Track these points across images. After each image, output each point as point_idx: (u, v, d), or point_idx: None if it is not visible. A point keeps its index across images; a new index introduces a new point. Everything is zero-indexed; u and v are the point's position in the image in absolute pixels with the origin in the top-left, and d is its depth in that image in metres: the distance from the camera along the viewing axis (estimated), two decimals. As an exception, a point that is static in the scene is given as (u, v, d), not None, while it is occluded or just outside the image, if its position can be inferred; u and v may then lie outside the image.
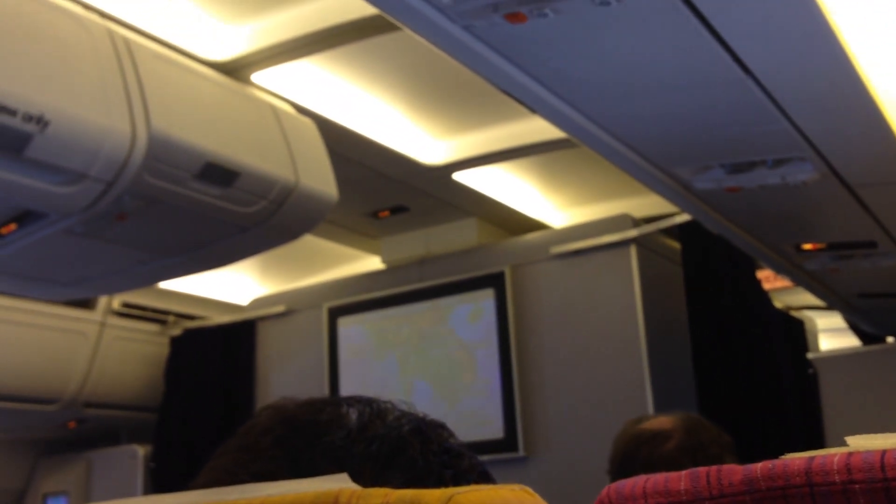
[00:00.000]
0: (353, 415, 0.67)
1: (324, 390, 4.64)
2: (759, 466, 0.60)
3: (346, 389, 4.61)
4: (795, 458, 0.60)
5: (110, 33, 2.52)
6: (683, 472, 0.62)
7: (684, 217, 3.79)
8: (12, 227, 2.51)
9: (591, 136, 1.98)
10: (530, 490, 0.52)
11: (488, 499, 0.48)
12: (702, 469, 0.62)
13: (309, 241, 4.37)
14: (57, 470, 5.28)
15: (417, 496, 0.49)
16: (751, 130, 2.02)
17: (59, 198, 2.37)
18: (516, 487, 0.51)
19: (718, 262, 3.95)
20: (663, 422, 1.88)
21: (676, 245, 4.18)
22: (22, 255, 2.77)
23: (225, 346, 5.08)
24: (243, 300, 5.28)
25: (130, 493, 4.89)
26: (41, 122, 2.18)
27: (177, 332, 5.22)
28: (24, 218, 2.51)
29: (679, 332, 4.03)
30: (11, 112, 2.12)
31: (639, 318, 3.99)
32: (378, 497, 0.50)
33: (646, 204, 4.42)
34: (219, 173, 2.70)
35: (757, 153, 2.18)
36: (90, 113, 2.32)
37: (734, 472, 0.61)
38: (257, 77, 3.14)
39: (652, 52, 1.64)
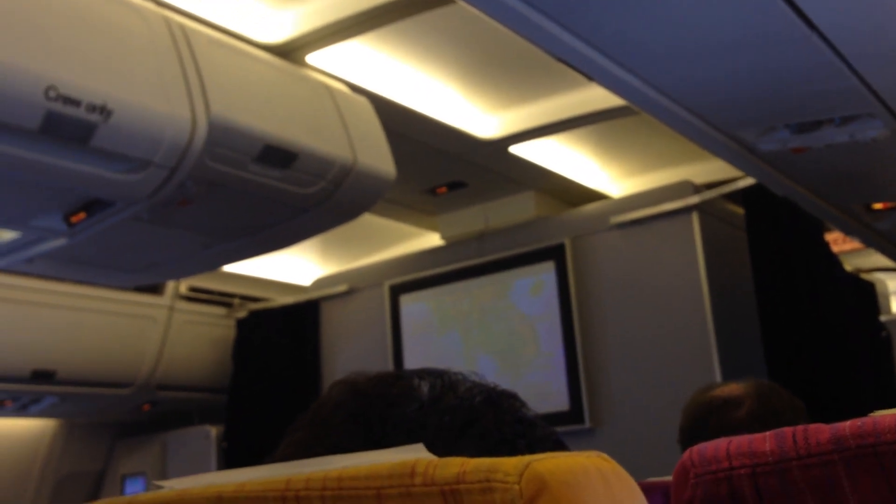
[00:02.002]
0: (425, 387, 0.67)
1: (388, 368, 4.67)
2: (846, 425, 0.58)
3: (410, 366, 4.60)
4: (886, 415, 0.58)
5: (167, 21, 2.56)
6: (768, 433, 0.60)
7: (748, 181, 3.71)
8: (82, 215, 2.58)
9: (651, 102, 1.94)
10: (606, 456, 0.52)
11: (565, 465, 0.48)
12: (787, 429, 0.60)
13: (368, 219, 4.39)
14: (134, 451, 5.44)
15: (494, 464, 0.49)
16: (817, 88, 1.96)
17: (125, 185, 2.42)
18: (592, 454, 0.51)
19: (785, 226, 3.85)
20: (734, 388, 1.85)
21: (740, 210, 4.10)
22: (91, 243, 2.84)
23: (289, 326, 5.16)
24: (306, 281, 5.35)
25: (204, 472, 5.01)
26: (104, 111, 2.22)
27: (242, 314, 5.31)
28: (93, 206, 2.57)
29: (745, 299, 3.96)
30: (76, 103, 2.16)
31: (703, 286, 3.93)
32: (454, 466, 0.50)
33: (707, 170, 4.34)
34: (277, 155, 2.73)
35: (823, 112, 2.12)
36: (151, 101, 2.36)
37: (821, 431, 0.59)
38: (312, 58, 3.16)
39: (712, 12, 1.60)
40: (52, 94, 2.12)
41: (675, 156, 4.36)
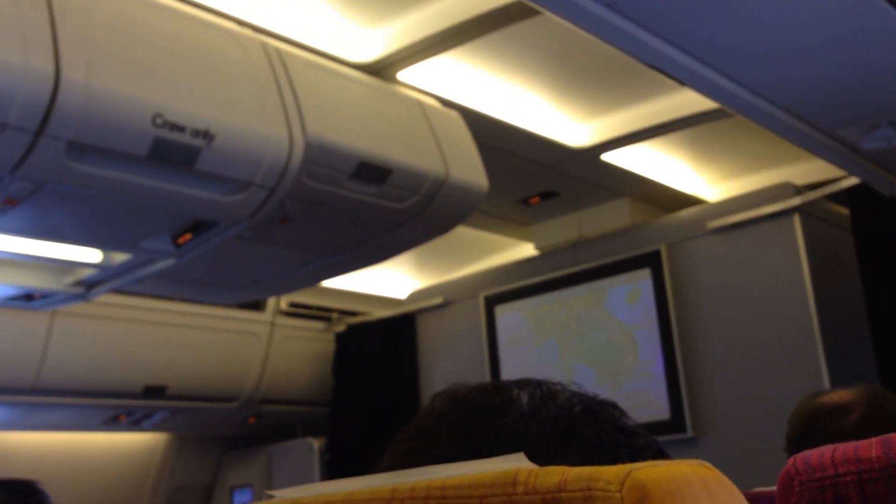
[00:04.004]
0: (524, 397, 0.68)
1: (485, 377, 4.69)
2: (957, 430, 0.57)
3: (506, 376, 4.61)
4: None
5: (264, 46, 2.64)
6: (874, 440, 0.59)
7: (852, 181, 3.58)
8: (188, 236, 2.68)
9: (747, 104, 1.90)
10: (709, 465, 0.51)
11: (667, 474, 0.48)
12: (893, 435, 0.59)
13: (461, 231, 4.42)
14: (240, 464, 5.60)
15: (595, 473, 0.49)
16: (921, 83, 1.89)
17: (228, 206, 2.51)
18: (695, 463, 0.51)
19: (893, 226, 3.71)
20: (843, 395, 1.78)
21: (844, 210, 3.96)
22: (196, 263, 2.94)
23: (387, 339, 5.22)
24: (402, 294, 5.41)
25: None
26: (207, 136, 2.31)
27: (341, 328, 5.41)
28: (198, 227, 2.67)
29: (852, 302, 3.82)
30: (181, 129, 2.26)
31: (807, 289, 3.81)
32: (555, 475, 0.50)
33: (807, 170, 4.21)
34: (372, 172, 2.78)
35: (930, 107, 2.04)
36: (251, 124, 2.44)
37: (930, 436, 0.57)
38: (403, 75, 3.21)
39: (806, 12, 1.57)
40: (158, 120, 2.22)
41: (773, 157, 4.24)
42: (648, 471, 0.48)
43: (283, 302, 5.16)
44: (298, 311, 5.27)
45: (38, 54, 2.04)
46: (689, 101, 3.51)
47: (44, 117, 2.05)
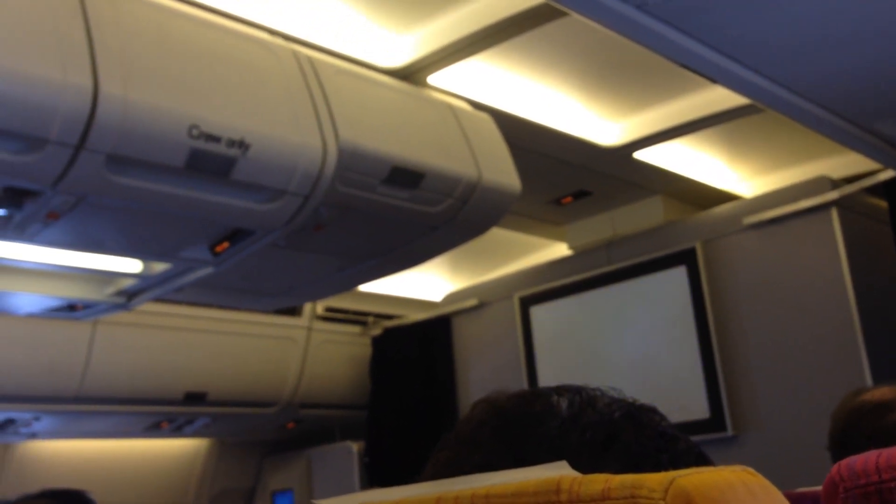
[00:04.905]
0: (564, 404, 0.68)
1: (521, 378, 4.69)
2: None
3: (543, 376, 4.63)
4: None
5: (295, 55, 2.67)
6: (922, 444, 0.58)
7: (889, 173, 3.54)
8: (225, 245, 2.72)
9: (781, 100, 1.89)
10: (752, 470, 0.51)
11: (711, 481, 0.48)
12: (941, 439, 0.58)
13: (495, 233, 4.42)
14: (281, 468, 5.65)
15: (638, 480, 0.49)
16: (959, 74, 1.86)
17: (264, 214, 2.54)
18: (738, 468, 0.51)
19: (933, 217, 3.65)
20: (885, 392, 1.77)
21: (882, 203, 3.90)
22: (233, 271, 2.98)
23: (423, 342, 5.24)
24: (437, 296, 5.42)
25: (348, 487, 5.15)
26: (243, 145, 2.34)
27: (377, 331, 5.43)
28: (234, 236, 2.70)
29: (893, 295, 3.77)
30: (216, 139, 2.29)
31: (847, 285, 3.76)
32: (599, 483, 0.51)
33: (844, 163, 4.16)
34: (405, 176, 2.79)
35: (968, 97, 2.01)
36: (284, 132, 2.47)
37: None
38: (433, 79, 3.22)
39: (839, 5, 1.55)
40: (195, 132, 2.25)
41: (808, 150, 4.20)
42: (692, 478, 0.48)
43: (320, 307, 5.20)
44: (334, 316, 5.30)
45: (76, 70, 2.08)
46: (721, 96, 3.49)
47: (83, 132, 2.09)
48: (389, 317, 5.48)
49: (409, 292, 5.49)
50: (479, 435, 0.68)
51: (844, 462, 0.66)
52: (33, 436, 4.60)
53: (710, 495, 0.47)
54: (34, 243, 2.55)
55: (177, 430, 5.05)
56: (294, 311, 5.09)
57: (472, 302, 5.09)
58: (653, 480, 0.49)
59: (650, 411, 0.68)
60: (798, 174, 4.25)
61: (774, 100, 1.97)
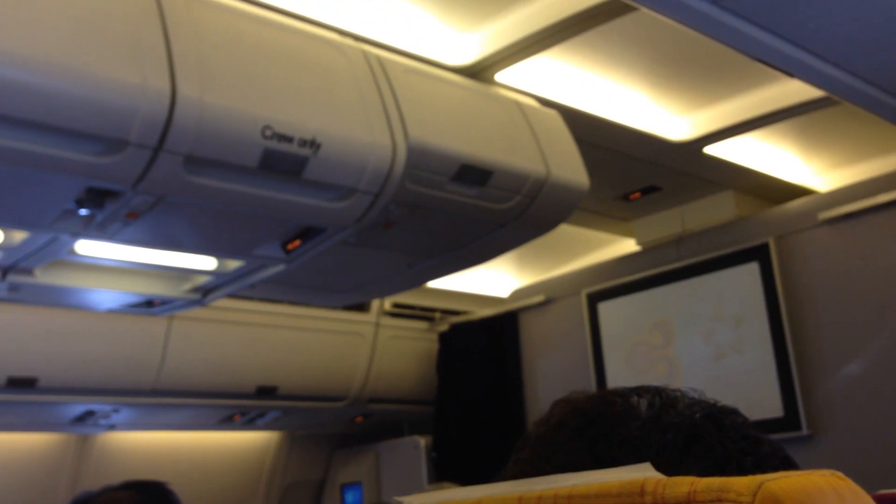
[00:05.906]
0: (644, 405, 0.67)
1: (589, 374, 4.66)
2: None
3: (611, 373, 4.60)
4: None
5: (364, 54, 2.70)
6: None
7: (972, 165, 3.42)
8: (297, 243, 2.76)
9: (860, 93, 1.85)
10: (841, 475, 0.50)
11: (800, 485, 0.47)
12: None
13: (562, 229, 4.39)
14: (350, 461, 5.72)
15: (725, 484, 0.49)
16: None
17: (335, 212, 2.57)
18: (827, 472, 0.50)
19: None
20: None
21: (966, 197, 3.78)
22: (305, 268, 3.03)
23: (490, 337, 5.24)
24: (504, 293, 5.42)
25: (416, 482, 5.19)
26: (314, 145, 2.38)
27: (444, 327, 5.46)
28: (306, 234, 2.74)
29: (978, 293, 3.64)
30: (289, 139, 2.33)
31: (928, 281, 3.65)
32: (684, 485, 0.50)
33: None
34: (474, 174, 2.80)
35: None
36: (355, 132, 2.50)
37: None
38: (500, 76, 3.22)
39: (923, -5, 1.51)
40: (267, 132, 2.30)
41: (885, 144, 4.08)
42: (780, 482, 0.47)
43: (388, 303, 5.24)
44: (402, 312, 5.34)
45: (155, 73, 2.14)
46: (794, 89, 3.41)
47: (162, 134, 2.15)
48: (456, 313, 5.50)
49: (476, 288, 5.50)
50: (559, 435, 0.68)
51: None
52: (112, 427, 4.75)
53: (799, 499, 0.47)
54: (114, 242, 2.63)
55: (249, 423, 5.15)
56: (362, 308, 5.14)
57: (539, 298, 5.07)
58: (740, 484, 0.48)
59: (732, 413, 0.67)
60: (875, 168, 4.13)
61: (853, 93, 1.93)
